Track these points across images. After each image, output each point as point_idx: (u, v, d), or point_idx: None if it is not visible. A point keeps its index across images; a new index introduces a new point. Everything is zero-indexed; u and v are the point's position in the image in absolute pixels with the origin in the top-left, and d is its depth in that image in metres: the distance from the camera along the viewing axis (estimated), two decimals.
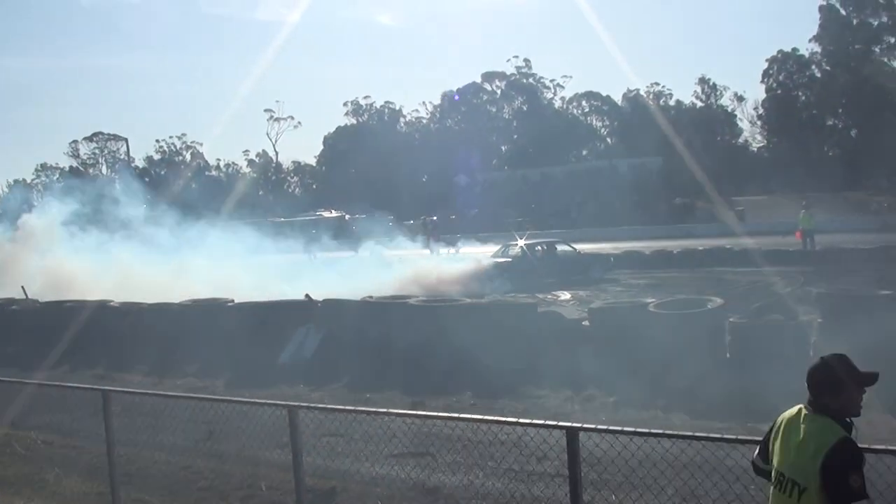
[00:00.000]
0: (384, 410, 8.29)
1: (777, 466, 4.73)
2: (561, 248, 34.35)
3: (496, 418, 7.78)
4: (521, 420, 7.27)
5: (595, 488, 8.60)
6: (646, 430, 6.33)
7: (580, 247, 35.87)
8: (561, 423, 6.63)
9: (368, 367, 15.73)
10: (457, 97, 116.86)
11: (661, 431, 6.33)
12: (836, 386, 4.63)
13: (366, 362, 15.90)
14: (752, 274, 29.68)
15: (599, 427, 6.59)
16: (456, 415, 8.63)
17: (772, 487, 4.79)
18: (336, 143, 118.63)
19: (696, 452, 7.06)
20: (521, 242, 35.16)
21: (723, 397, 12.32)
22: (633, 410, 12.43)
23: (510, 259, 33.49)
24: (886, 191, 75.44)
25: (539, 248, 34.28)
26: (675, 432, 6.63)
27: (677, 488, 7.99)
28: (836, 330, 13.53)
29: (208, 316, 19.83)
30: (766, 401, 12.17)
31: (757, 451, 5.14)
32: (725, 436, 6.38)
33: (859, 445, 4.49)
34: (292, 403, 8.29)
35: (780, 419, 4.90)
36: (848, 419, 4.59)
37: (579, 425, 6.40)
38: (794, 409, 4.80)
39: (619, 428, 6.44)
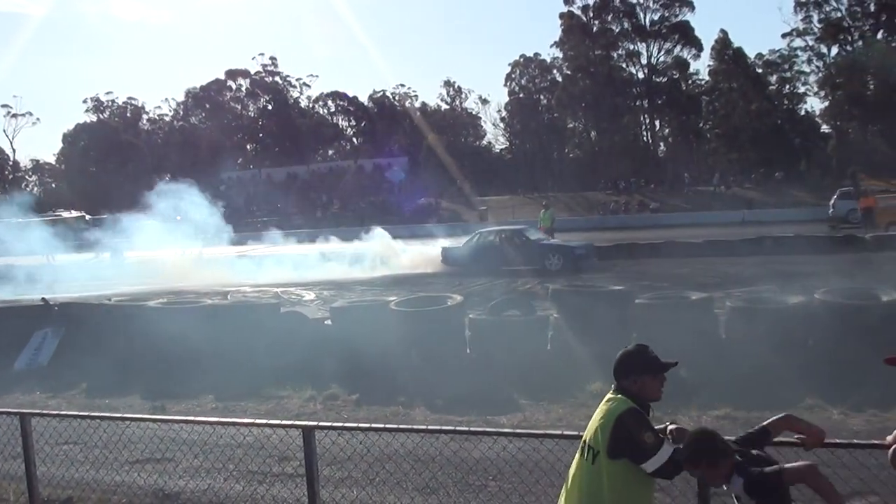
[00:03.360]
0: (119, 416, 8.08)
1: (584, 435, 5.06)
2: (529, 236, 32.97)
3: (232, 420, 7.72)
4: (258, 421, 7.24)
5: (335, 486, 8.60)
6: (381, 426, 6.39)
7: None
8: (296, 423, 6.60)
9: (109, 372, 15.20)
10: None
11: (395, 426, 6.41)
12: (631, 372, 4.97)
13: (106, 367, 15.35)
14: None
15: (335, 425, 6.62)
16: (193, 418, 8.51)
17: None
18: (76, 141, 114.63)
19: (431, 445, 7.18)
20: (483, 230, 34.77)
21: (463, 391, 12.56)
22: (375, 407, 12.49)
23: (458, 247, 33.35)
24: (624, 191, 78.54)
25: (494, 237, 33.36)
26: (411, 426, 6.72)
27: (416, 482, 8.09)
28: (571, 324, 13.98)
29: None
30: (504, 393, 12.54)
31: None
32: (458, 428, 6.48)
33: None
34: (23, 411, 8.00)
35: None
36: (647, 403, 5.02)
37: (314, 424, 6.38)
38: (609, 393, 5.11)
39: (355, 424, 6.49)
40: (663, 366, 5.00)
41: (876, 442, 5.96)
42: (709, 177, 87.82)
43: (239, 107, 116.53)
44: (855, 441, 6.63)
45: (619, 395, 4.94)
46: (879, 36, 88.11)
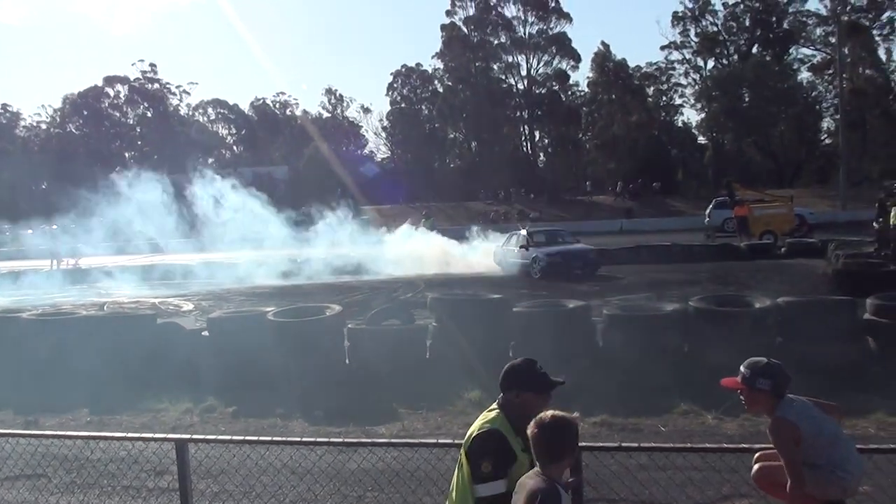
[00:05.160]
0: None
1: None
2: (539, 238, 32.38)
3: (105, 434, 7.59)
4: (130, 435, 7.14)
5: (210, 500, 8.49)
6: (254, 439, 6.35)
7: None
8: (169, 436, 6.54)
9: None
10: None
11: (268, 439, 6.36)
12: (515, 386, 5.00)
13: None
14: (377, 281, 30.46)
15: (209, 437, 6.55)
16: (65, 432, 8.34)
17: None
18: None
19: (307, 458, 7.14)
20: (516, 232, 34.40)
21: (342, 402, 12.55)
22: (252, 420, 12.36)
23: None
24: (503, 201, 79.23)
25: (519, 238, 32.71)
26: (285, 439, 6.69)
27: (293, 496, 8.04)
28: (450, 332, 14.04)
29: None
30: (383, 403, 12.56)
31: None
32: (334, 440, 6.47)
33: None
34: None
35: None
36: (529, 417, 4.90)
37: (187, 437, 6.32)
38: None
39: (229, 437, 6.43)
40: (548, 384, 5.04)
41: (745, 446, 6.12)
42: (588, 186, 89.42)
43: (118, 114, 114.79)
44: (724, 445, 6.80)
45: (497, 410, 4.99)
46: (754, 50, 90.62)
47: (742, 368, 5.72)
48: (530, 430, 4.65)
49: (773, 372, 5.64)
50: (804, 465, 5.50)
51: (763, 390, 5.59)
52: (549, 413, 4.63)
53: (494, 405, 5.01)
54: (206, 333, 15.55)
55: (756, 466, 5.90)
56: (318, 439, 6.61)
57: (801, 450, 5.50)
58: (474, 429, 4.94)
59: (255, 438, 6.40)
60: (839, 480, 5.50)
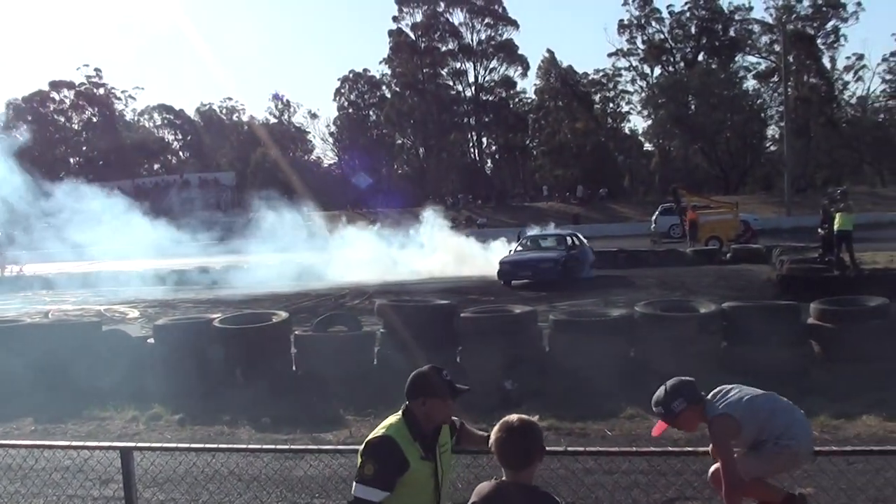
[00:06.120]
0: None
1: None
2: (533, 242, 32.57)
3: (48, 443, 7.51)
4: (74, 443, 7.06)
5: None
6: (199, 446, 6.31)
7: None
8: (114, 444, 6.47)
9: None
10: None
11: (214, 446, 6.33)
12: (420, 393, 4.93)
13: None
14: (324, 288, 30.37)
15: (154, 445, 6.51)
16: (6, 441, 8.24)
17: None
18: None
19: (253, 465, 7.10)
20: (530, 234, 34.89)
21: (289, 409, 12.49)
22: (199, 427, 12.23)
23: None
24: (451, 207, 79.36)
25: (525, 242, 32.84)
26: (231, 446, 6.65)
27: (240, 503, 8.00)
28: (398, 338, 14.00)
29: None
30: (331, 409, 12.50)
31: None
32: (280, 446, 6.45)
33: None
34: None
35: None
36: (436, 424, 5.02)
37: (132, 445, 6.26)
38: None
39: (174, 445, 6.38)
40: (453, 391, 5.00)
41: (689, 449, 6.17)
42: (535, 192, 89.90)
43: (63, 119, 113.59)
44: (669, 449, 6.85)
45: (399, 416, 4.95)
46: (700, 58, 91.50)
47: (655, 409, 5.82)
48: (495, 434, 4.63)
49: (677, 390, 5.71)
50: (750, 448, 5.56)
51: (683, 410, 5.63)
52: (515, 417, 4.59)
53: (398, 412, 5.00)
54: (151, 341, 15.42)
55: (713, 467, 5.92)
56: (265, 446, 6.60)
57: (742, 438, 5.56)
58: (371, 434, 4.93)
59: (200, 446, 6.37)
60: (786, 448, 5.52)
